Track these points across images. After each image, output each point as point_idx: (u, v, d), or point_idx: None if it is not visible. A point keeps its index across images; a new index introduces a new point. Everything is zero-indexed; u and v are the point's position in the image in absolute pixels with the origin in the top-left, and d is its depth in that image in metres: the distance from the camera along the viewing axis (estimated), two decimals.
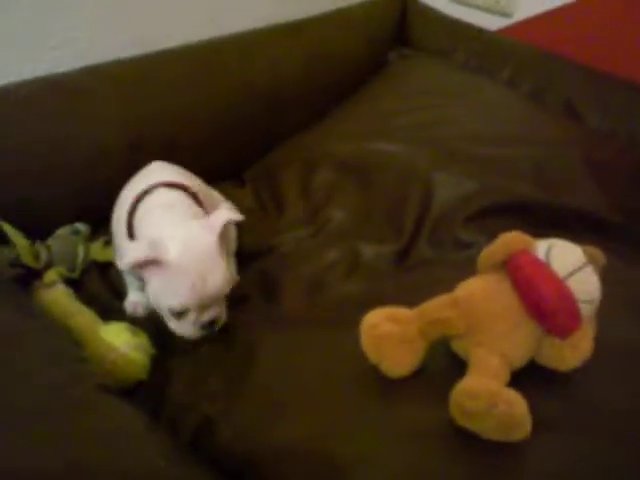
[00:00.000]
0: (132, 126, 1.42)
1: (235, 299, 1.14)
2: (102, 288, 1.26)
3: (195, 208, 1.08)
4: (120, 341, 1.06)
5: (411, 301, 1.10)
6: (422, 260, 1.24)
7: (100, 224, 1.33)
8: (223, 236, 1.03)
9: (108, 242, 1.32)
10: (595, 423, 0.86)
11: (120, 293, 1.24)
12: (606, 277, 0.92)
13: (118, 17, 1.54)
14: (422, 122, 1.47)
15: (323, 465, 0.86)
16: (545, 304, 0.85)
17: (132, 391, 1.06)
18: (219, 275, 1.01)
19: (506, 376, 0.86)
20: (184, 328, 1.05)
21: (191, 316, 1.03)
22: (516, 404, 0.80)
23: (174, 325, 1.05)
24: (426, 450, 0.85)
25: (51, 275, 1.21)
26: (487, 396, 0.80)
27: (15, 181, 1.31)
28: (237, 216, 1.06)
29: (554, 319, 0.86)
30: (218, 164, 1.51)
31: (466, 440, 0.83)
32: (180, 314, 1.02)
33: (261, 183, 1.37)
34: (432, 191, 1.30)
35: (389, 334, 0.90)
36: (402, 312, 0.93)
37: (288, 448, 0.89)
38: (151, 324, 1.13)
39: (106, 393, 0.88)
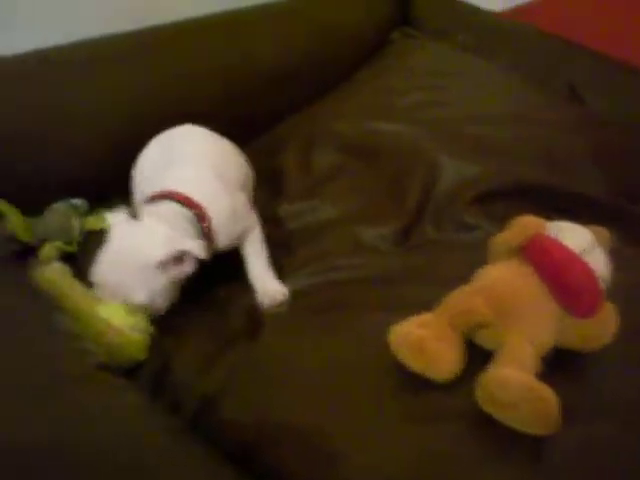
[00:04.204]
0: (129, 100, 1.39)
1: (235, 275, 1.14)
2: None
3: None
4: (118, 320, 1.03)
5: (417, 281, 1.10)
6: (425, 241, 1.22)
7: (98, 201, 1.30)
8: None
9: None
10: (611, 410, 0.85)
11: None
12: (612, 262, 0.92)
13: None
14: (424, 102, 1.45)
15: (321, 449, 0.85)
16: (577, 285, 0.85)
17: (129, 371, 1.04)
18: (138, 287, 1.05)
19: (537, 366, 0.85)
20: None
21: None
22: (549, 402, 0.79)
23: None
24: (436, 434, 0.84)
25: (47, 251, 1.18)
26: (521, 389, 0.79)
27: (10, 155, 1.28)
28: (195, 254, 1.06)
29: (583, 298, 0.86)
30: None
31: (480, 425, 0.82)
32: None
33: (260, 158, 1.35)
34: (436, 173, 1.27)
35: (425, 337, 0.86)
36: (424, 316, 0.90)
37: (287, 431, 0.88)
38: None
39: (105, 371, 0.86)
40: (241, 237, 1.18)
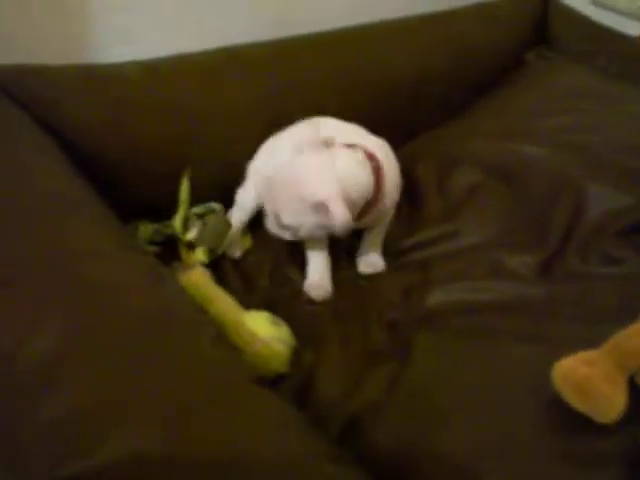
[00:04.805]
0: (269, 112, 1.41)
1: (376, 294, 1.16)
2: (234, 274, 1.26)
3: None
4: (264, 331, 1.04)
5: (564, 314, 1.07)
6: (569, 272, 1.17)
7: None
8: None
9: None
10: None
11: (250, 282, 1.24)
12: None
13: None
14: (567, 126, 1.39)
15: None
16: None
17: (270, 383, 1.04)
18: (288, 210, 1.10)
19: None
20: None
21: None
22: None
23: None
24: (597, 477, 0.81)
25: (199, 255, 1.20)
26: None
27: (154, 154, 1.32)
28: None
29: None
30: None
31: None
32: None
33: None
34: (583, 202, 1.23)
35: (592, 376, 0.83)
36: (590, 353, 0.87)
37: (444, 462, 0.86)
38: (291, 314, 1.11)
39: (260, 383, 0.86)
40: (387, 213, 1.24)
